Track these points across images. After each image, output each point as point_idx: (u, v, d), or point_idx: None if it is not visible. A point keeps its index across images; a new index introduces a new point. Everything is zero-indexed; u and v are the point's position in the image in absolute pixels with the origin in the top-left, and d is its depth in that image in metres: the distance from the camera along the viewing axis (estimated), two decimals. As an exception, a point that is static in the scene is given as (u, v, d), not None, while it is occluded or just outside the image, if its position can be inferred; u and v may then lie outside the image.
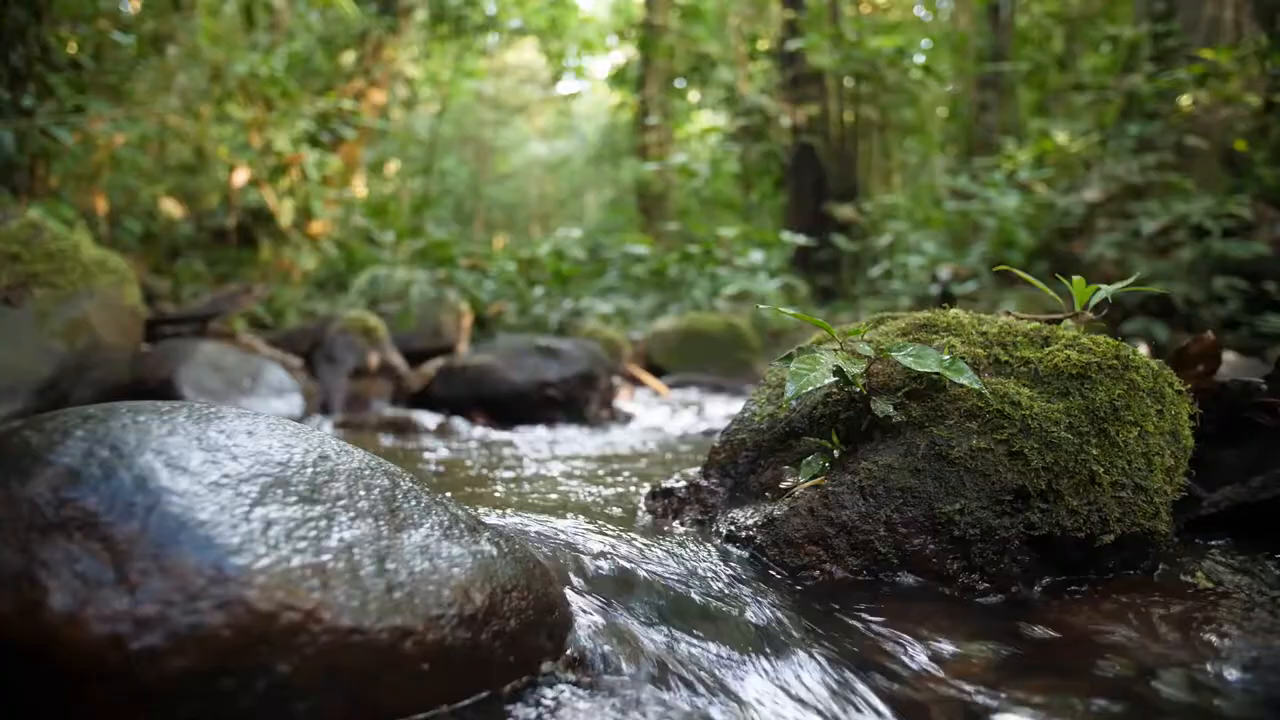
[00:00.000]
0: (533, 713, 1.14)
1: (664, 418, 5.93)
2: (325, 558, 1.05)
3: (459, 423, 5.02)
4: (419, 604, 1.08)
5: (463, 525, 1.27)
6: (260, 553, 0.99)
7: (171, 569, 0.94)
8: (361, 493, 1.21)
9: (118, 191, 9.63)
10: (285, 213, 11.10)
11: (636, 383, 8.15)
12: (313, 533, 1.07)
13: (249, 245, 11.61)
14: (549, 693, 1.19)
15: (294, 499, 1.12)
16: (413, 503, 1.25)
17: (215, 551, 0.97)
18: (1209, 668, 1.32)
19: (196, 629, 0.91)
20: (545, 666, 1.23)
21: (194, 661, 0.90)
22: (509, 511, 1.98)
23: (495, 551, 1.25)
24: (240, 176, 10.96)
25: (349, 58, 14.77)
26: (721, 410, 6.19)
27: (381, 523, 1.17)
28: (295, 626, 0.96)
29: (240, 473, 1.11)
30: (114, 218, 9.40)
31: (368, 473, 1.26)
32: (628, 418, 5.81)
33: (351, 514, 1.15)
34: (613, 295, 13.79)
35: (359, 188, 14.79)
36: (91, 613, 0.89)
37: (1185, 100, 12.07)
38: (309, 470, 1.19)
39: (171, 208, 10.80)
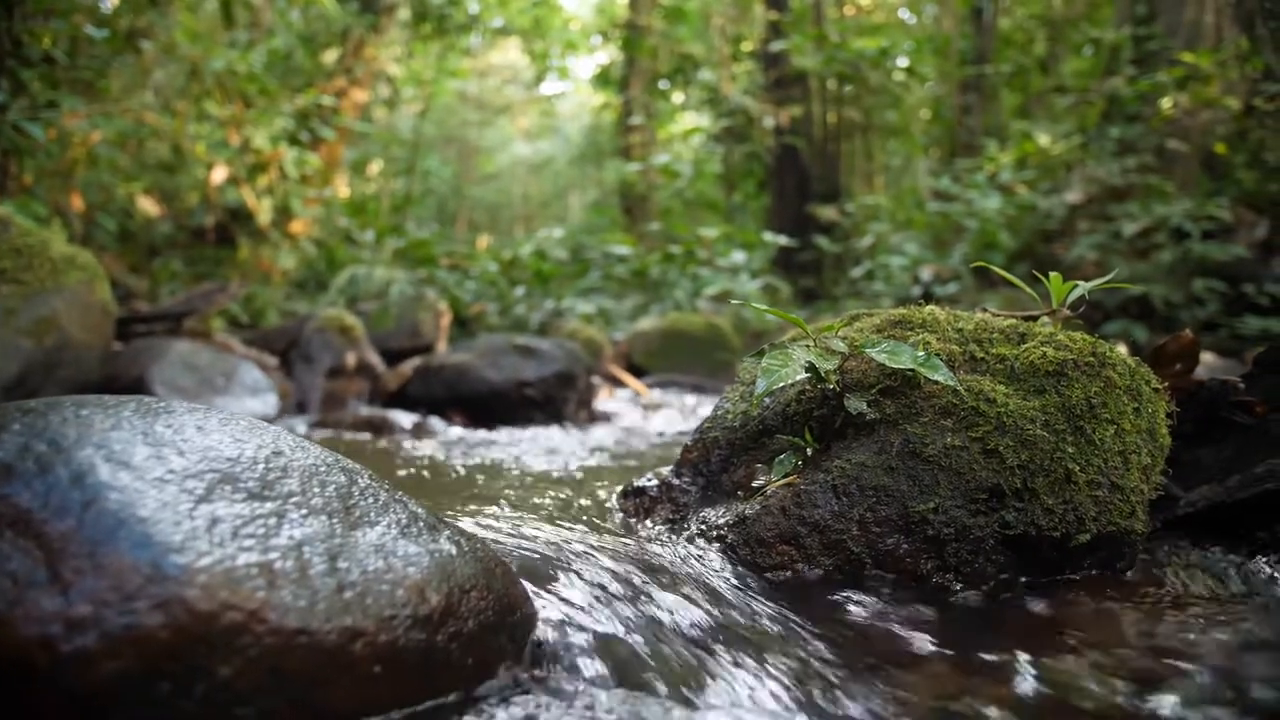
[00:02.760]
0: (492, 717, 1.10)
1: (643, 418, 5.90)
2: (273, 556, 1.01)
3: (436, 422, 4.97)
4: (371, 604, 1.04)
5: (422, 523, 1.24)
6: (203, 550, 0.96)
7: (107, 568, 0.90)
8: (316, 489, 1.17)
9: (94, 189, 9.53)
10: (264, 211, 11.02)
11: (617, 383, 8.11)
12: (261, 530, 1.04)
13: (228, 244, 11.52)
14: (509, 696, 1.16)
15: (243, 495, 1.08)
16: (369, 500, 1.22)
17: (155, 549, 0.93)
18: (1183, 667, 1.30)
19: (131, 630, 0.87)
20: (506, 669, 1.20)
21: (128, 664, 0.86)
22: (476, 510, 1.94)
23: (454, 550, 1.22)
24: (218, 175, 10.86)
25: (330, 56, 14.69)
26: (701, 410, 6.16)
27: (335, 520, 1.13)
28: (238, 627, 0.92)
29: (186, 468, 1.07)
30: (90, 215, 9.31)
31: (323, 469, 1.22)
32: (607, 418, 5.78)
33: (304, 511, 1.11)
34: (594, 295, 13.75)
35: (340, 187, 14.70)
36: (20, 614, 0.85)
37: (1166, 103, 12.12)
38: (260, 466, 1.15)
39: (149, 206, 10.70)
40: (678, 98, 25.51)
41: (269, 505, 1.09)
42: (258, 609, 0.94)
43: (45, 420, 1.05)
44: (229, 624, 0.92)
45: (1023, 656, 1.36)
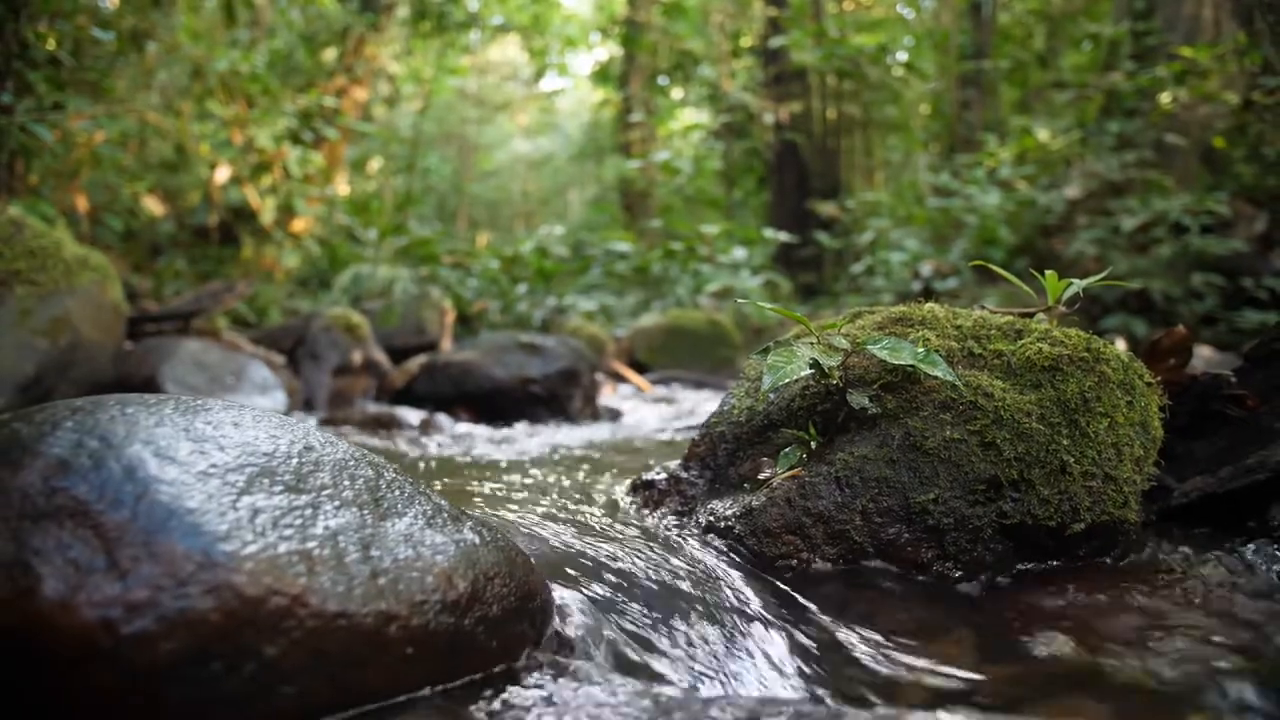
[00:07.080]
0: (515, 697, 1.16)
1: (647, 414, 5.96)
2: (311, 544, 1.07)
3: (442, 419, 5.03)
4: (403, 590, 1.10)
5: (445, 514, 1.30)
6: (248, 539, 1.02)
7: (161, 555, 0.96)
8: (346, 482, 1.23)
9: (98, 189, 9.57)
10: (267, 210, 11.06)
11: (620, 379, 8.17)
12: (299, 520, 1.10)
13: (231, 243, 11.56)
14: (530, 678, 1.22)
15: (280, 488, 1.14)
16: (396, 492, 1.28)
17: (204, 538, 0.99)
18: (1174, 653, 1.36)
19: (186, 613, 0.93)
20: (527, 652, 1.26)
21: (183, 645, 0.92)
22: (488, 503, 2.00)
23: (477, 539, 1.28)
24: (222, 174, 10.91)
25: (331, 55, 14.72)
26: (704, 406, 6.22)
27: (366, 511, 1.19)
28: (282, 610, 0.98)
29: (227, 463, 1.13)
30: (95, 215, 9.35)
31: (352, 463, 1.29)
32: (611, 414, 5.83)
33: (336, 503, 1.17)
34: (596, 292, 13.80)
35: (341, 185, 14.74)
36: (83, 598, 0.91)
37: (1165, 98, 12.15)
38: (294, 460, 1.21)
39: (153, 205, 10.75)
40: (677, 94, 25.57)
41: (304, 497, 1.15)
42: (300, 594, 1.00)
43: (95, 418, 1.11)
44: (275, 608, 0.98)
45: (1020, 638, 1.42)
